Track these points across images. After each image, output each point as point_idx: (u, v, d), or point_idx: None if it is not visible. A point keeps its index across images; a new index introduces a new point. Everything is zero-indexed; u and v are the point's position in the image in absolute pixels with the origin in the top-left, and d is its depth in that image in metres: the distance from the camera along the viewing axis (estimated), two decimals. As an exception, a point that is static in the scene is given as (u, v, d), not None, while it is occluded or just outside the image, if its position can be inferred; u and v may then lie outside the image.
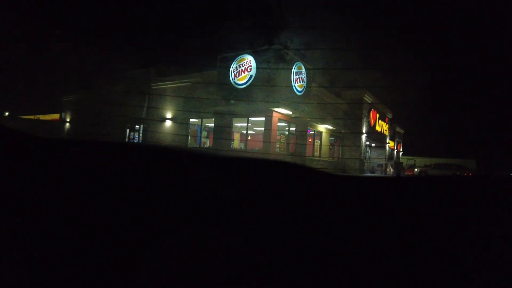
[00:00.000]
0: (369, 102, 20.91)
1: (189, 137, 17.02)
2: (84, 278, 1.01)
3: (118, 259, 1.06)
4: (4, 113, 21.42)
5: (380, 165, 23.43)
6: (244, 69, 13.89)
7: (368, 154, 23.66)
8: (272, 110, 13.66)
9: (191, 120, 16.90)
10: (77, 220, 1.14)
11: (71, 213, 1.15)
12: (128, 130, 19.88)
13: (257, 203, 1.35)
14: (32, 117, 24.47)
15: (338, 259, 1.19)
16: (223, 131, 15.13)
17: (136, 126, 19.43)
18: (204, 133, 17.37)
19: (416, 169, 23.06)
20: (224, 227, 1.20)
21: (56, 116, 24.58)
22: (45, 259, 1.04)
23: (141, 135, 19.31)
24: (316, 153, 17.72)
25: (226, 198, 1.31)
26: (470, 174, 22.15)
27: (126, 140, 19.60)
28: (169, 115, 17.51)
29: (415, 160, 27.54)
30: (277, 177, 1.54)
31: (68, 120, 23.81)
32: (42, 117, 25.08)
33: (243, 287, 1.06)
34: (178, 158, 1.60)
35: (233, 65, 14.24)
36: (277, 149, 14.60)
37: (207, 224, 1.19)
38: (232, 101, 14.14)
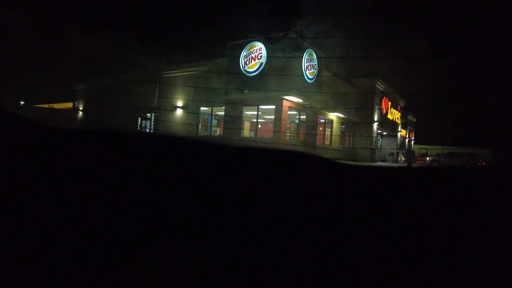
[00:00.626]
0: (381, 90, 20.60)
1: (200, 125, 17.14)
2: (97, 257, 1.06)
3: (130, 245, 1.11)
4: (20, 102, 21.85)
5: (391, 154, 23.18)
6: (255, 56, 13.82)
7: (380, 142, 23.43)
8: (282, 98, 13.61)
9: (202, 108, 16.99)
10: (90, 208, 1.17)
11: (83, 202, 1.19)
12: (139, 119, 20.11)
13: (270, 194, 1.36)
14: (46, 105, 24.89)
15: (348, 250, 1.22)
16: (233, 120, 15.18)
17: (148, 114, 19.64)
18: (214, 122, 17.46)
19: (428, 158, 22.71)
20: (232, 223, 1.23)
21: (69, 104, 24.95)
22: (63, 246, 1.09)
23: (152, 123, 19.52)
24: (327, 142, 17.65)
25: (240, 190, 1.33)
26: (484, 163, 21.71)
27: (138, 128, 19.84)
28: (179, 103, 17.64)
29: (427, 149, 27.11)
30: (292, 168, 1.55)
31: (81, 108, 24.18)
32: (56, 105, 25.48)
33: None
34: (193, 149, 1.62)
35: (243, 53, 14.17)
36: (287, 138, 14.59)
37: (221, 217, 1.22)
38: (246, 91, 14.12)
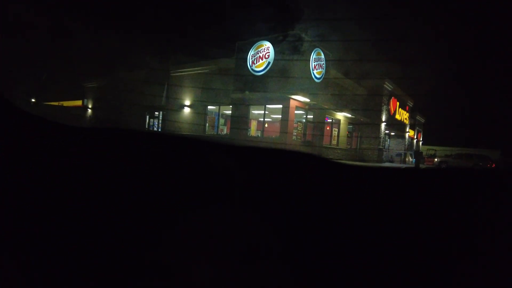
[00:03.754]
0: (390, 90, 20.44)
1: (207, 124, 17.21)
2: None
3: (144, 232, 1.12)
4: (30, 100, 22.18)
5: (399, 155, 23.00)
6: (262, 55, 13.82)
7: (387, 143, 23.26)
8: (289, 97, 13.59)
9: (209, 107, 17.06)
10: (100, 204, 1.19)
11: (93, 197, 1.20)
12: (148, 117, 20.28)
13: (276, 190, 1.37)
14: (56, 103, 25.23)
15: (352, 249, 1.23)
16: (240, 119, 15.21)
17: (156, 113, 19.79)
18: (221, 121, 17.52)
19: (436, 159, 22.47)
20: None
21: (78, 102, 25.27)
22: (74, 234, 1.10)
23: (160, 122, 19.67)
24: (334, 142, 17.58)
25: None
26: (493, 165, 21.37)
27: (146, 127, 20.00)
28: (187, 102, 17.74)
29: (435, 150, 26.82)
30: (298, 168, 1.55)
31: (90, 106, 24.47)
32: (65, 103, 25.83)
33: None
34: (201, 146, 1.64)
35: (251, 52, 14.19)
36: (294, 138, 14.57)
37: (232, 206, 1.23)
38: (247, 92, 14.15)
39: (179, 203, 1.30)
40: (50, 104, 24.59)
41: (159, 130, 19.16)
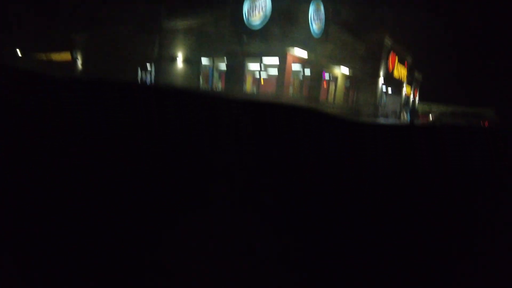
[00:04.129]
0: (389, 44, 19.86)
1: (201, 78, 16.77)
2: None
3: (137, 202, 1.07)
4: (17, 52, 21.23)
5: (394, 111, 23.01)
6: (259, 7, 13.12)
7: (384, 100, 23.14)
8: (287, 52, 13.15)
9: (203, 62, 16.51)
10: (91, 162, 1.11)
11: (84, 154, 1.13)
12: (139, 70, 19.66)
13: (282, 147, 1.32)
14: (43, 56, 24.21)
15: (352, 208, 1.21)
16: (235, 74, 14.82)
17: (148, 66, 19.15)
18: (216, 75, 17.06)
19: (431, 117, 22.62)
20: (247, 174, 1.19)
21: (67, 55, 24.28)
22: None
23: (153, 75, 19.10)
24: (331, 98, 17.40)
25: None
26: (486, 123, 21.59)
27: (138, 80, 19.48)
28: (180, 54, 17.09)
29: (430, 107, 26.87)
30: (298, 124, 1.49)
31: (79, 59, 23.55)
32: (53, 56, 24.79)
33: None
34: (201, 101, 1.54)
35: (247, 3, 13.44)
36: (291, 94, 14.35)
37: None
38: (242, 45, 13.61)
39: (184, 173, 1.23)
40: (38, 57, 23.63)
41: (151, 83, 18.70)
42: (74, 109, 1.34)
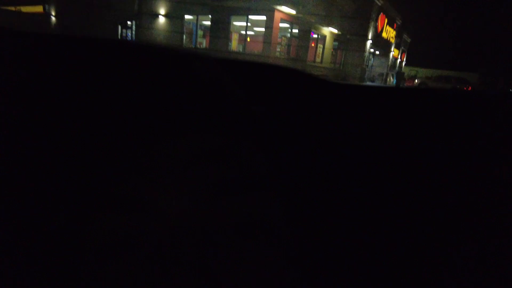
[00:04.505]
0: (379, 4, 19.29)
1: (184, 36, 16.03)
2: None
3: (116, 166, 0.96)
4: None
5: (381, 74, 22.94)
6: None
7: (371, 62, 22.93)
8: (274, 8, 12.57)
9: (186, 17, 15.66)
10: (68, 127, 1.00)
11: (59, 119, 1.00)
12: (120, 27, 18.61)
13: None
14: (12, 8, 22.52)
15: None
16: (220, 31, 14.19)
17: (128, 22, 18.11)
18: (200, 33, 16.32)
19: (416, 80, 22.78)
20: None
21: (39, 8, 22.64)
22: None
23: (133, 32, 18.14)
24: (318, 59, 17.05)
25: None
26: (470, 88, 21.93)
27: (119, 37, 18.51)
28: (162, 10, 16.15)
29: (417, 71, 26.95)
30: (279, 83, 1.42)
31: (53, 13, 22.00)
32: (24, 9, 23.09)
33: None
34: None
35: (233, -48, 12.60)
36: (278, 53, 13.94)
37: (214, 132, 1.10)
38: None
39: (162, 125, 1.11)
40: (6, 9, 21.98)
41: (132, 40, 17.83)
42: (44, 66, 1.18)
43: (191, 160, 1.05)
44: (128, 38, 18.36)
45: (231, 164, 1.08)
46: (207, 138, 1.10)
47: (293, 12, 13.08)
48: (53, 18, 21.98)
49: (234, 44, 15.53)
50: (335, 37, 17.73)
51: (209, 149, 1.07)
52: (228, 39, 14.47)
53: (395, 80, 22.52)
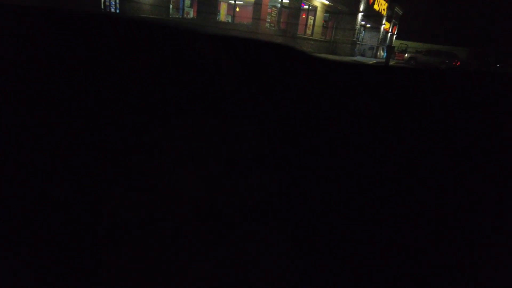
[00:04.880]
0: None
1: (171, 6, 15.44)
2: None
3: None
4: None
5: (371, 48, 22.72)
6: None
7: (362, 35, 22.63)
8: (264, -24, 12.15)
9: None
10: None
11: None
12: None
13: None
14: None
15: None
16: (208, 1, 13.69)
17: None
18: (187, 2, 15.73)
19: (406, 55, 22.67)
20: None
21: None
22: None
23: (117, 3, 17.35)
24: (309, 32, 16.70)
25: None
26: (458, 63, 21.98)
27: (102, 8, 17.71)
28: (147, -22, 15.43)
29: (407, 45, 26.77)
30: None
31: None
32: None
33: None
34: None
35: None
36: (267, 26, 13.58)
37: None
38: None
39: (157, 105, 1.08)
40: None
41: (117, 12, 17.08)
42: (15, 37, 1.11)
43: (196, 139, 1.02)
44: (112, 9, 17.60)
45: (236, 144, 1.05)
46: (209, 117, 1.06)
47: (283, -19, 12.68)
48: (31, -13, 20.87)
49: (223, 15, 15.07)
50: (326, 8, 17.32)
51: (212, 130, 1.04)
52: (216, 9, 14.01)
53: (385, 54, 22.37)
